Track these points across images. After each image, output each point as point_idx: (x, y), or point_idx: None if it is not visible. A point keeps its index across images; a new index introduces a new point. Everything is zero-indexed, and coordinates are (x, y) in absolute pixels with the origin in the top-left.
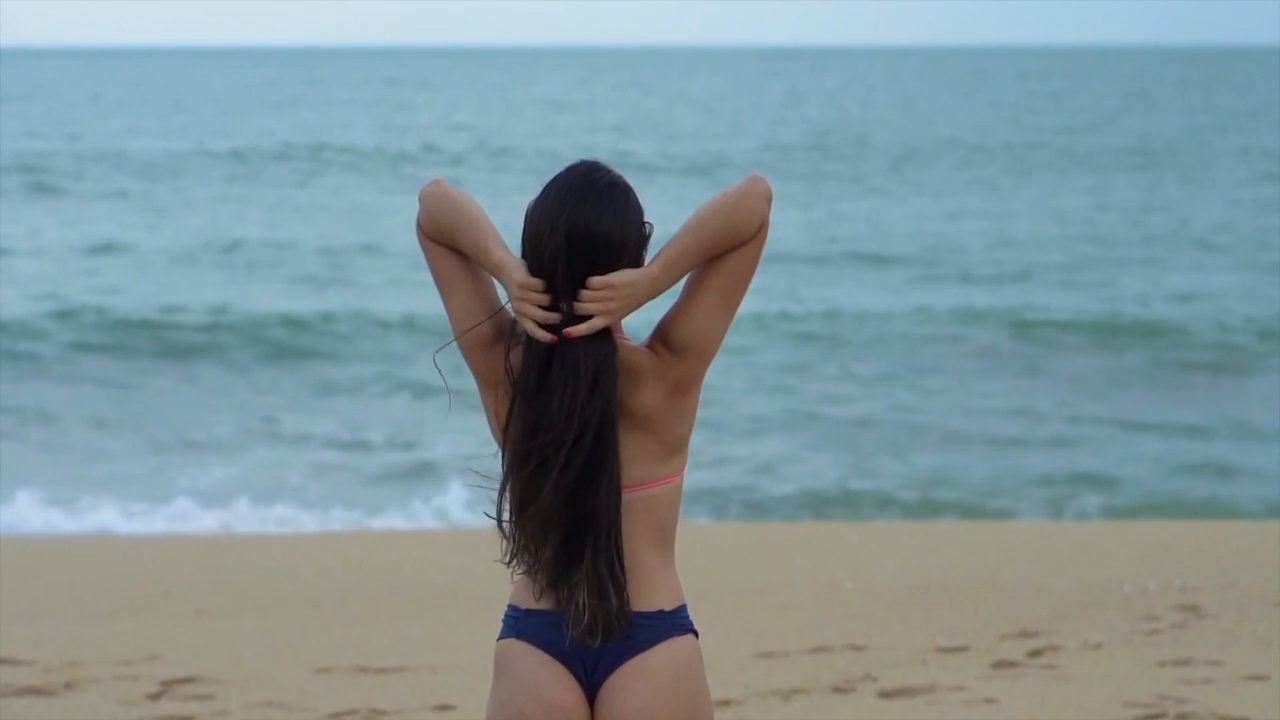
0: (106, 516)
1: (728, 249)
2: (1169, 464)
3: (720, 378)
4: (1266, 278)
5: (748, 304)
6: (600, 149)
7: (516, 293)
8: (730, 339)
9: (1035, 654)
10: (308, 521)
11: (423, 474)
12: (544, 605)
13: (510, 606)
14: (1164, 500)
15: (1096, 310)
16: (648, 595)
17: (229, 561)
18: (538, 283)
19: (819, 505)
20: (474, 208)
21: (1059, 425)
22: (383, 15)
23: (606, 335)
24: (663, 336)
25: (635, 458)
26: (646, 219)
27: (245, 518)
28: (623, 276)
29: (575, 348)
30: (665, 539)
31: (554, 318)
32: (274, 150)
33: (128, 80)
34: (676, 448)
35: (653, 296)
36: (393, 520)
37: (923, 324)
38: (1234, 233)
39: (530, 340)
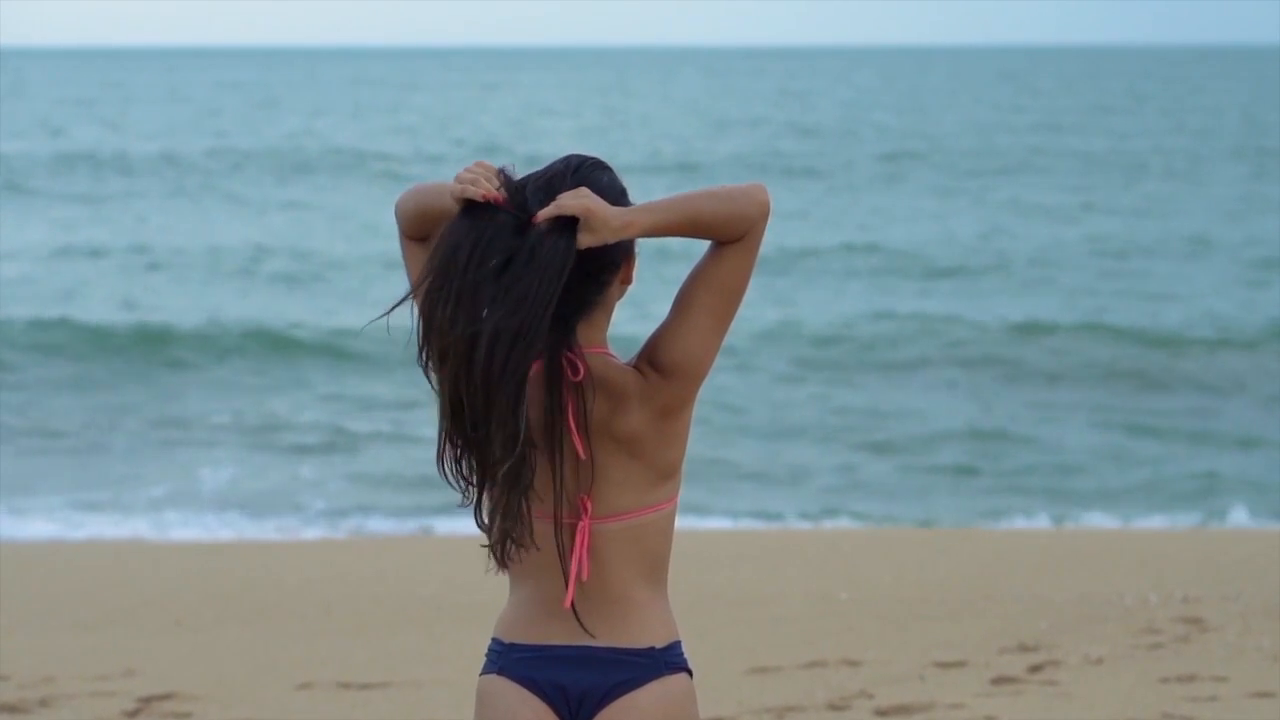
0: (82, 523)
1: (705, 235)
2: (1165, 470)
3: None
4: (1254, 279)
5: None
6: (584, 148)
7: (467, 167)
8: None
9: (1035, 669)
10: (291, 528)
11: (410, 481)
12: (528, 639)
13: (494, 640)
14: (1161, 507)
15: (1085, 314)
16: (637, 631)
17: (210, 569)
18: (490, 165)
19: (811, 511)
20: (440, 182)
21: (1051, 430)
22: (382, 16)
23: (571, 235)
24: (649, 357)
25: (623, 484)
26: (631, 200)
27: (227, 524)
28: (591, 193)
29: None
30: (657, 571)
31: (494, 190)
32: (250, 151)
33: (114, 80)
34: (667, 473)
35: (620, 232)
36: (378, 528)
37: (907, 327)
38: (1220, 234)
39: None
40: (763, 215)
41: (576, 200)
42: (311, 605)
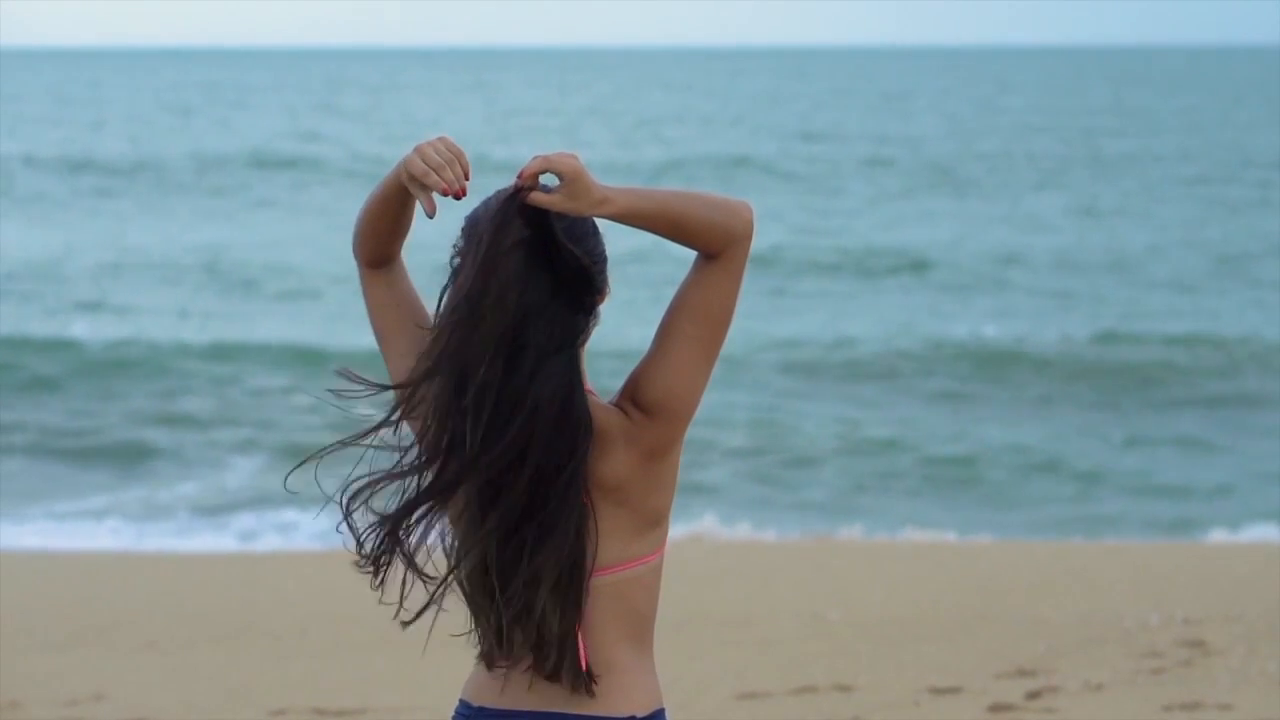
0: (53, 534)
1: (680, 236)
2: (1162, 482)
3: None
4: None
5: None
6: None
7: (428, 141)
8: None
9: (1034, 695)
10: (269, 539)
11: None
12: (498, 704)
13: (461, 702)
14: (1159, 521)
15: (1075, 324)
16: (617, 698)
17: (184, 586)
18: (456, 145)
19: (800, 524)
20: (384, 181)
21: (1045, 442)
22: (376, 16)
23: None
24: (632, 394)
25: (607, 535)
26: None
27: (202, 535)
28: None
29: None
30: (641, 631)
31: (457, 183)
32: (214, 153)
33: (89, 81)
34: (654, 521)
35: (596, 206)
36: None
37: (899, 336)
38: (1204, 241)
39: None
40: (746, 234)
41: (565, 160)
42: (286, 625)
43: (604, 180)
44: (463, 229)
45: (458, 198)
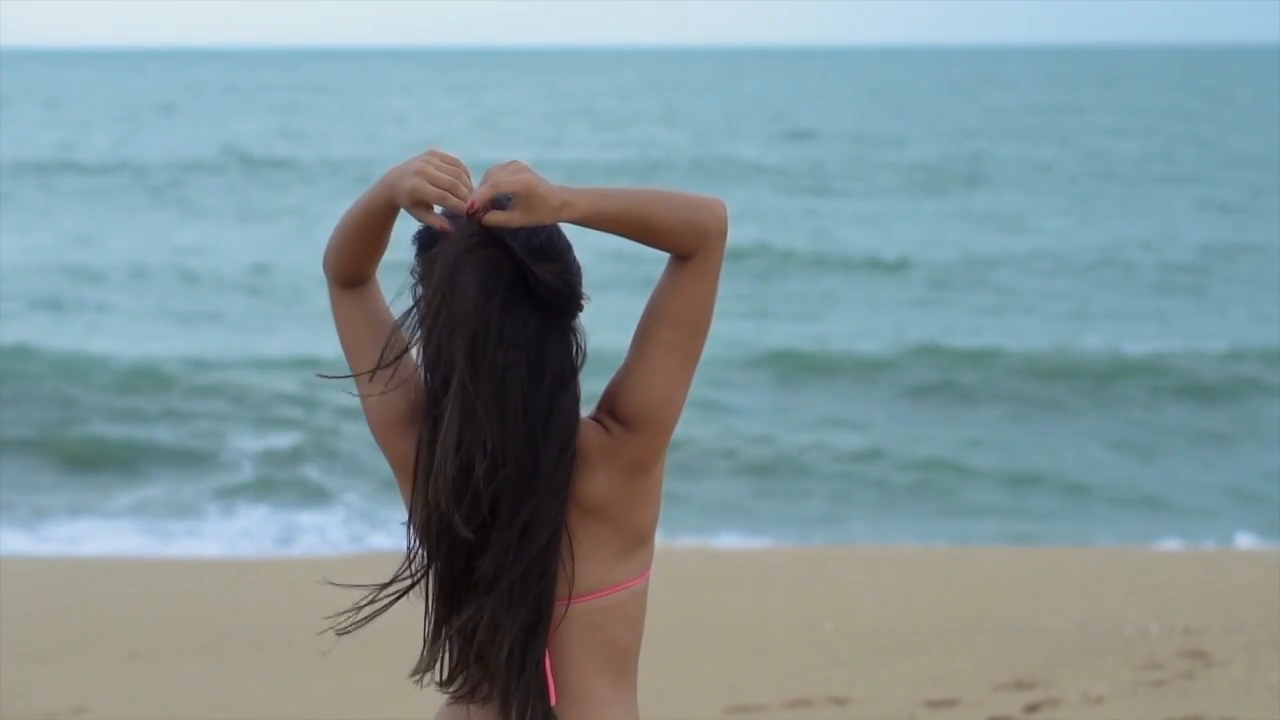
0: (34, 540)
1: (650, 238)
2: (1159, 489)
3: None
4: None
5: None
6: (541, 149)
7: (422, 158)
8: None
9: (1032, 709)
10: (254, 547)
11: (385, 494)
12: None
13: None
14: (1158, 528)
15: (1068, 328)
16: None
17: (168, 592)
18: (451, 155)
19: (794, 531)
20: (366, 195)
21: (1042, 448)
22: (372, 15)
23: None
24: (610, 407)
25: (586, 559)
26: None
27: (185, 542)
28: (529, 167)
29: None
30: (622, 662)
31: (458, 202)
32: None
33: (78, 82)
34: (639, 540)
35: (558, 213)
36: (349, 546)
37: (889, 342)
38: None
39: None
40: (720, 233)
41: (514, 176)
42: (272, 634)
43: (584, 181)
44: (420, 274)
45: (471, 215)
